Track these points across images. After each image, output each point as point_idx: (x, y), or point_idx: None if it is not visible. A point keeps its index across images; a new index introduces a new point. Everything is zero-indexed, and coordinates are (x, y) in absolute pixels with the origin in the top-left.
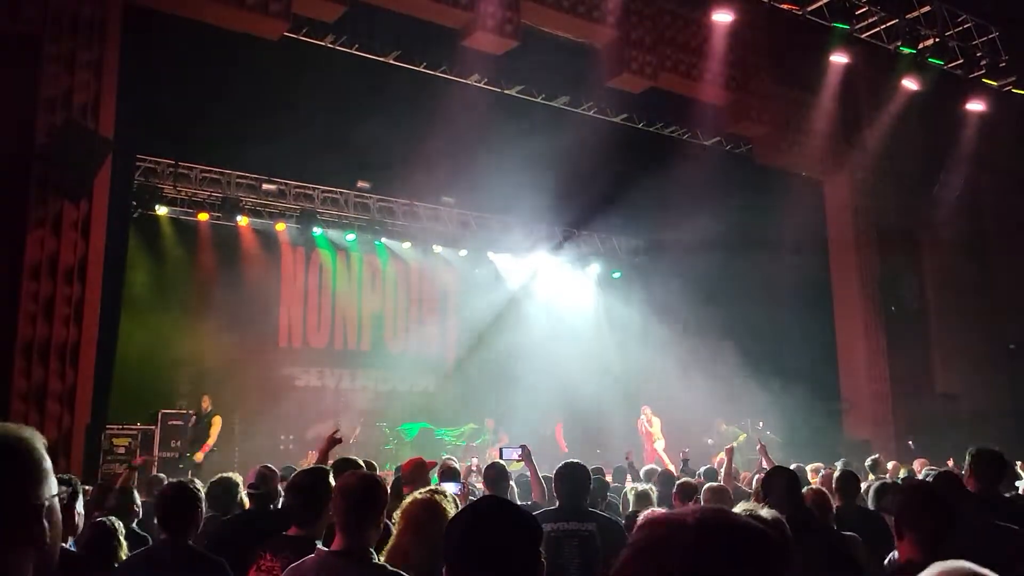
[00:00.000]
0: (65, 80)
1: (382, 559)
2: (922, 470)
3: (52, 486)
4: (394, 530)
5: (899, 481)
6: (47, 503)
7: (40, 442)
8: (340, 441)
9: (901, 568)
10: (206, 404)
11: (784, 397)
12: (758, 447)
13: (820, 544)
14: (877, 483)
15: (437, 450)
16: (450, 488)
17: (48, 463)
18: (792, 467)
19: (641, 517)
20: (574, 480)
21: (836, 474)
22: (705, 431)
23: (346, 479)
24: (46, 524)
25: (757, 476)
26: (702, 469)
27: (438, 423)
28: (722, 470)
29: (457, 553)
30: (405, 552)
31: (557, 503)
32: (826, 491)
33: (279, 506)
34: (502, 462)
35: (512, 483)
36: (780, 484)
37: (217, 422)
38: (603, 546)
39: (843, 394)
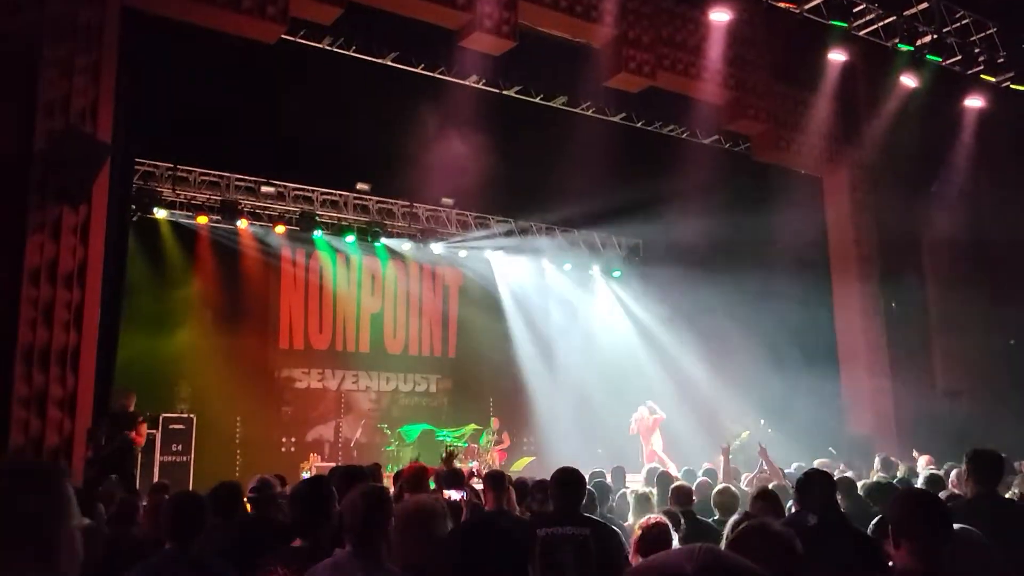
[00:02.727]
0: (63, 85)
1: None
2: (927, 467)
3: (76, 516)
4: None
5: (889, 480)
6: (71, 533)
7: (66, 475)
8: None
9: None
10: (131, 404)
11: (785, 394)
12: (759, 450)
13: (851, 547)
14: (870, 482)
15: (438, 452)
16: (454, 495)
17: (72, 494)
18: (793, 466)
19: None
20: (569, 485)
21: (836, 476)
22: (706, 428)
23: (350, 498)
24: (68, 553)
25: (758, 476)
26: (701, 471)
27: (439, 424)
28: (720, 470)
29: (446, 573)
30: (401, 551)
31: (553, 507)
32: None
33: (279, 514)
34: (500, 468)
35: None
36: (816, 488)
37: (143, 427)
38: (598, 551)
39: (844, 391)
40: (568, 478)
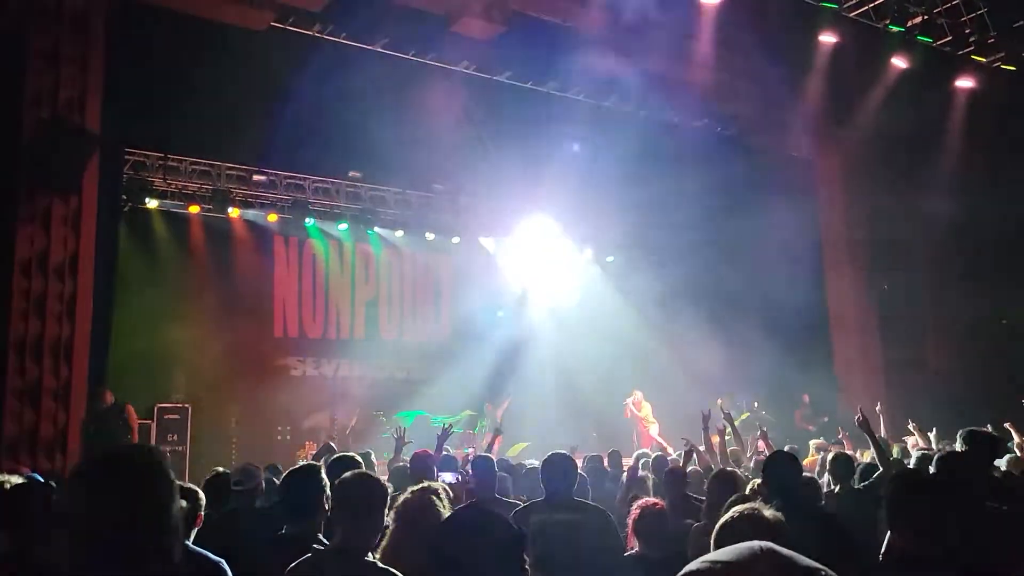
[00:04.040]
0: (51, 76)
1: (377, 556)
2: (920, 447)
3: (179, 502)
4: (389, 526)
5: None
6: (179, 514)
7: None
8: None
9: (897, 560)
10: (109, 399)
11: (778, 376)
12: (758, 433)
13: (816, 533)
14: (863, 464)
15: (433, 438)
16: (448, 478)
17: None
18: (786, 448)
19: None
20: (560, 471)
21: (830, 457)
22: (700, 410)
23: (344, 480)
24: (178, 535)
25: (756, 458)
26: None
27: (434, 411)
28: (718, 452)
29: (439, 566)
30: (397, 550)
31: (545, 493)
32: (815, 479)
33: (264, 503)
34: (488, 454)
35: (507, 473)
36: (778, 471)
37: (132, 412)
38: (592, 536)
39: (837, 372)
40: (560, 464)
